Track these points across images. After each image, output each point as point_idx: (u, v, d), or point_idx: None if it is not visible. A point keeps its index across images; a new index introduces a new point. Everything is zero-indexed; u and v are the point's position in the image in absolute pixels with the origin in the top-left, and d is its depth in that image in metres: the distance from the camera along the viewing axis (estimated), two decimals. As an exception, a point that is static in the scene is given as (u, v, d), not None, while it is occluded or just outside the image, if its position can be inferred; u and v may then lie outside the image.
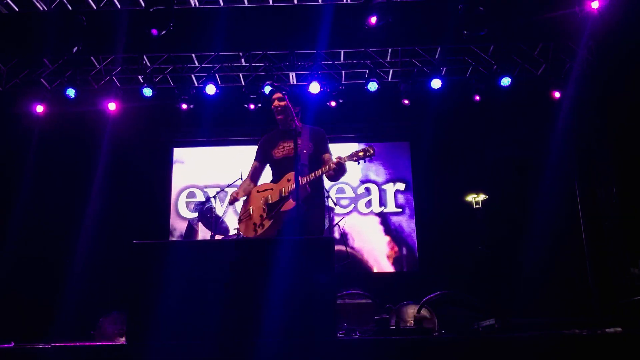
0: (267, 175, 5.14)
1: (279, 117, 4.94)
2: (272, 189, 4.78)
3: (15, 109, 8.70)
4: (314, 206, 4.75)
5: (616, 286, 7.86)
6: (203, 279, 3.41)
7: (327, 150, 4.95)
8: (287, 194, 4.60)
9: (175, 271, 3.39)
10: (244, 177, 5.20)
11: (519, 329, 3.95)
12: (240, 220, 4.91)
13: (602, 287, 8.18)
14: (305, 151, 4.75)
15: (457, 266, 8.38)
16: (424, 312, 5.85)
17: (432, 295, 5.63)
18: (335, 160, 4.53)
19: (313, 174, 4.58)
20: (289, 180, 4.65)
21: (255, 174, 5.12)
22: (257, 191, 4.92)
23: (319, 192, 4.90)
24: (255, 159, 5.14)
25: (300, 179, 4.42)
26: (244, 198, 4.99)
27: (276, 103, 4.93)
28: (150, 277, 3.40)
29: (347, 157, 4.54)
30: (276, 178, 4.90)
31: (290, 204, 4.53)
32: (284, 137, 4.96)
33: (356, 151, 4.53)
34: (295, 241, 3.58)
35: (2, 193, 8.53)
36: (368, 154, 4.49)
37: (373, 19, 6.84)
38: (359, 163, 4.58)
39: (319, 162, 4.84)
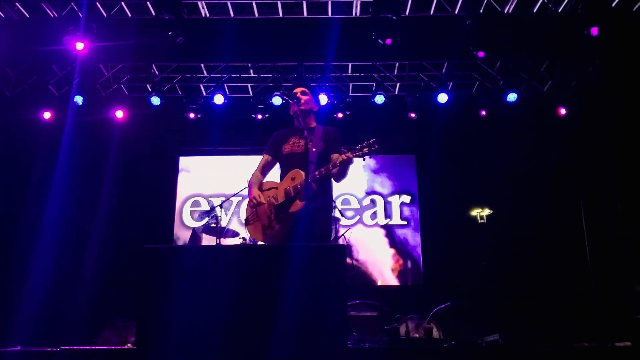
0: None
1: (294, 110, 4.72)
2: (276, 188, 4.62)
3: (23, 114, 8.72)
4: (320, 206, 4.56)
5: (621, 304, 7.82)
6: (213, 285, 3.39)
7: (336, 151, 4.77)
8: (293, 193, 4.44)
9: (186, 276, 3.38)
10: (255, 172, 4.90)
11: (523, 344, 3.94)
12: (247, 222, 4.70)
13: (607, 304, 8.14)
14: (314, 149, 4.59)
15: (461, 280, 8.35)
16: (430, 326, 5.83)
17: (442, 306, 5.60)
18: (341, 158, 4.36)
19: (318, 172, 4.42)
20: (293, 179, 4.51)
21: (265, 168, 4.90)
22: (262, 190, 4.72)
23: (325, 192, 4.69)
24: (265, 152, 4.93)
25: (301, 174, 4.37)
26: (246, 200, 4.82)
27: (299, 95, 4.75)
28: (160, 282, 3.38)
29: (351, 153, 4.34)
30: (282, 175, 4.74)
31: (298, 204, 4.38)
32: (296, 133, 4.79)
33: (360, 146, 4.32)
34: (307, 248, 3.56)
35: (9, 198, 8.53)
36: (373, 149, 4.31)
37: (388, 40, 6.85)
38: (364, 159, 4.44)
39: (327, 162, 4.75)
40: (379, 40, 6.79)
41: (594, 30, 6.58)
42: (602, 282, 8.32)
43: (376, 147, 4.27)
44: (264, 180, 4.86)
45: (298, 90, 4.85)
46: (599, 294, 8.30)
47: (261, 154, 5.01)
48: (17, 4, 7.38)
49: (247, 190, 6.42)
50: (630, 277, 7.76)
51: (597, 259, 8.48)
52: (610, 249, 8.22)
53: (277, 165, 4.95)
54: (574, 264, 8.58)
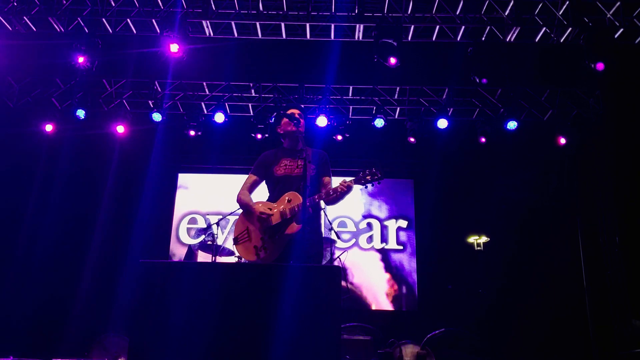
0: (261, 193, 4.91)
1: (293, 131, 4.73)
2: (270, 209, 4.54)
3: (25, 126, 8.75)
4: (313, 229, 4.55)
5: (617, 337, 7.78)
6: (207, 302, 3.37)
7: (327, 174, 4.77)
8: (289, 215, 4.40)
9: (180, 292, 3.36)
10: (242, 190, 4.83)
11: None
12: (237, 242, 4.63)
13: (603, 337, 8.09)
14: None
15: (456, 308, 8.30)
16: (423, 352, 5.78)
17: (435, 332, 5.55)
18: (344, 184, 4.35)
19: (317, 196, 4.41)
20: (289, 201, 4.47)
21: (251, 188, 4.85)
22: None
23: (318, 215, 4.68)
24: (253, 173, 4.86)
25: (298, 197, 4.34)
26: (236, 218, 4.76)
27: (297, 117, 4.74)
28: (154, 297, 3.37)
29: (354, 180, 4.36)
30: (274, 196, 4.68)
31: (294, 227, 4.34)
32: (286, 155, 4.80)
33: (363, 174, 4.35)
34: (302, 268, 3.55)
35: (8, 210, 8.52)
36: (375, 177, 4.31)
37: (392, 60, 6.87)
38: (366, 187, 4.45)
39: (319, 185, 4.75)
40: (382, 61, 6.83)
41: (600, 66, 6.61)
42: (599, 313, 8.29)
43: (379, 175, 4.29)
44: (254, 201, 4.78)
45: (296, 111, 4.86)
46: (596, 326, 8.26)
47: None
48: (24, 17, 7.44)
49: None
50: (627, 310, 7.73)
51: (595, 290, 8.45)
52: (608, 281, 8.20)
53: (262, 186, 4.90)
54: (571, 294, 8.54)
